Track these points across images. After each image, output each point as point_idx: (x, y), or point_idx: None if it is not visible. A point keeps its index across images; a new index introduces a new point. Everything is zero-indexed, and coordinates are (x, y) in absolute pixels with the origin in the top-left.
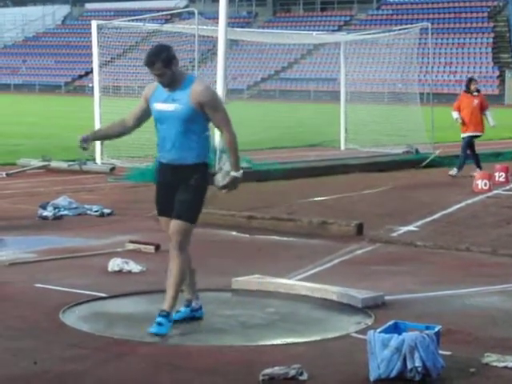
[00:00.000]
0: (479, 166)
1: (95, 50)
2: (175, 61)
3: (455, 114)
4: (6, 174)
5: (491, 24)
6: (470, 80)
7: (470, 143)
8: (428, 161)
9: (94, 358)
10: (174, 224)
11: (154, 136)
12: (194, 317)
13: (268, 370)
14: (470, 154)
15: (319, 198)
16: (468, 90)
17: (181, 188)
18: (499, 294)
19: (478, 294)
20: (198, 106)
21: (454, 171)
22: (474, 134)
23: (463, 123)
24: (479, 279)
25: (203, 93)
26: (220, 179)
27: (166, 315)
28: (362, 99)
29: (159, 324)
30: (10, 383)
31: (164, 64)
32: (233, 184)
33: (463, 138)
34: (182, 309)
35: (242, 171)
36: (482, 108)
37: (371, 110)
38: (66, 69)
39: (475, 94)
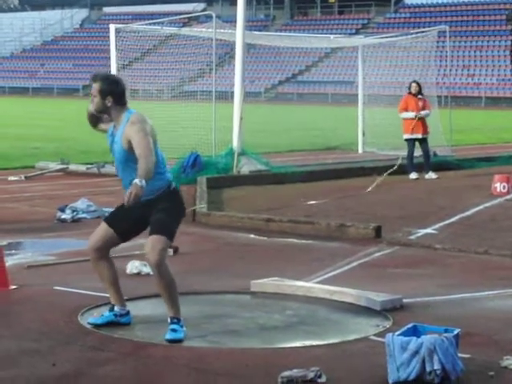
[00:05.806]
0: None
1: (113, 54)
2: (111, 97)
3: (411, 114)
4: (25, 177)
5: (509, 27)
6: (413, 83)
7: (414, 145)
8: (394, 168)
9: (112, 360)
10: (153, 240)
11: (173, 140)
12: (118, 322)
13: (286, 373)
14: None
15: (337, 201)
16: (411, 92)
17: (153, 213)
18: None
19: (497, 296)
20: (129, 146)
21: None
22: (419, 136)
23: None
24: (498, 282)
25: (129, 130)
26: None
27: (177, 321)
28: (379, 102)
29: (173, 330)
30: None
31: (99, 90)
32: (135, 189)
33: (409, 140)
34: (106, 313)
35: (143, 182)
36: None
37: (389, 112)
38: (84, 72)
39: (419, 96)
